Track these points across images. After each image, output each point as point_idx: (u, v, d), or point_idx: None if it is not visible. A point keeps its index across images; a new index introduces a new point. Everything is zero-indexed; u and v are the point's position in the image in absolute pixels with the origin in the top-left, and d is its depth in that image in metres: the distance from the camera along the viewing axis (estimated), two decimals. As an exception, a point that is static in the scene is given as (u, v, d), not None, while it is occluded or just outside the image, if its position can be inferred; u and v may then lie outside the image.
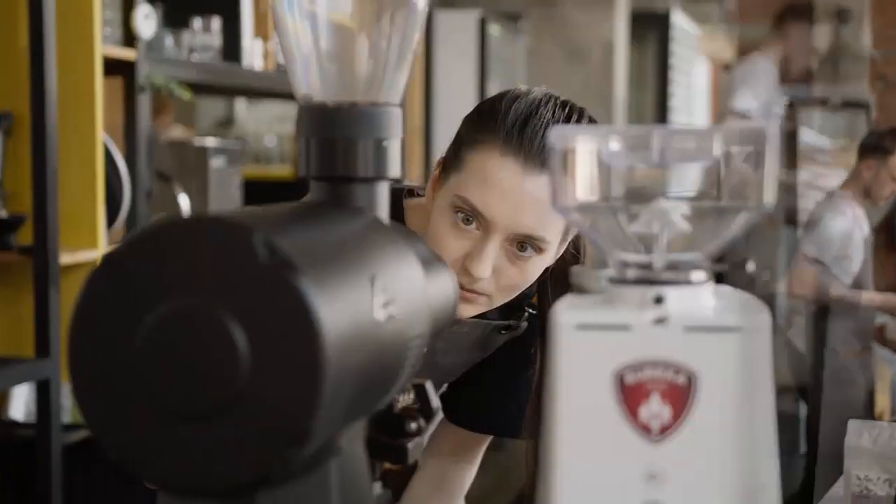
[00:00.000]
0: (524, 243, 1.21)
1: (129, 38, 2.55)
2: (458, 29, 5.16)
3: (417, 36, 0.78)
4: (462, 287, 1.21)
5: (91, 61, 2.37)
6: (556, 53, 5.46)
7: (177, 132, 4.04)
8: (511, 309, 1.38)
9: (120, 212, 2.49)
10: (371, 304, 0.64)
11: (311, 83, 0.76)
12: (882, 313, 4.25)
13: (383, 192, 0.76)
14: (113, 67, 2.53)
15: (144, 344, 0.58)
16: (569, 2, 5.54)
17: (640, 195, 0.68)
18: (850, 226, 4.21)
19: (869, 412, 4.23)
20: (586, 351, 0.64)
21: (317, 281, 0.58)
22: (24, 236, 2.31)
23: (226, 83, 3.10)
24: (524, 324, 1.39)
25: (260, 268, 0.57)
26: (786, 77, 4.41)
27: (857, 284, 4.21)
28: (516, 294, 1.27)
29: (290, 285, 0.57)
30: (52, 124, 2.26)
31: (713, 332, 0.63)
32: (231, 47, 3.05)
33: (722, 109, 4.32)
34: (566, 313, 0.65)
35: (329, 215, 0.70)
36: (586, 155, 0.66)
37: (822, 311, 4.24)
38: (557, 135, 0.66)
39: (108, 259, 0.59)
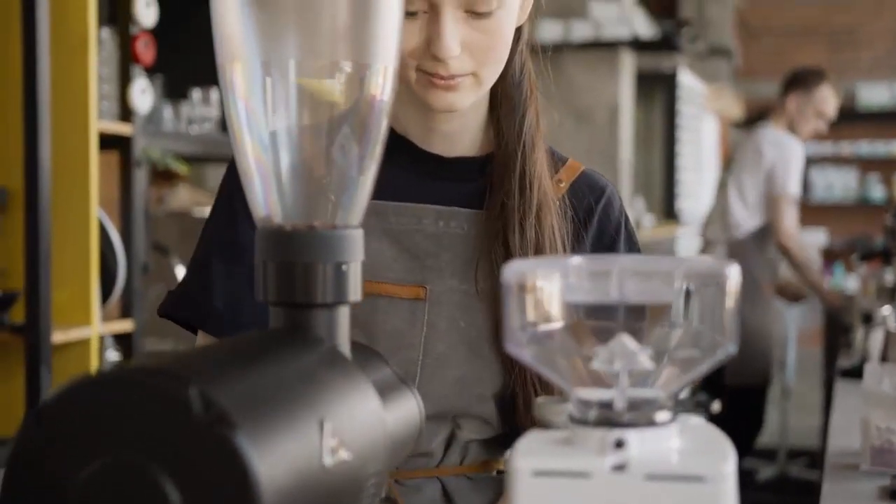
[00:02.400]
0: (477, 9, 1.11)
1: (126, 112, 2.55)
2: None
3: (379, 150, 0.76)
4: (440, 77, 1.12)
5: (86, 137, 2.36)
6: (561, 116, 5.47)
7: (184, 196, 4.03)
8: None
9: (114, 288, 2.47)
10: (319, 449, 0.61)
11: (269, 205, 0.74)
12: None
13: (344, 317, 0.73)
14: (110, 141, 2.53)
15: (76, 502, 0.56)
16: (574, 64, 5.55)
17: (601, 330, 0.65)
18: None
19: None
20: (545, 499, 0.61)
21: (256, 434, 0.56)
22: (17, 313, 2.29)
23: (224, 154, 3.09)
24: None
25: (195, 423, 0.55)
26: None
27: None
28: (503, 62, 1.16)
29: (226, 442, 0.54)
30: (45, 200, 2.25)
31: (676, 481, 0.60)
32: (230, 118, 3.03)
33: (769, 194, 4.20)
34: (524, 458, 0.62)
35: (281, 351, 0.68)
36: (544, 290, 0.64)
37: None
38: (513, 269, 0.64)
39: (41, 410, 0.57)
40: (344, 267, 0.72)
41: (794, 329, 5.89)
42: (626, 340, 0.64)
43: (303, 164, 0.74)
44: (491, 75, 1.16)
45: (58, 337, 2.28)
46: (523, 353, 0.64)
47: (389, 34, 0.73)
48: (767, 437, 5.63)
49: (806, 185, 10.01)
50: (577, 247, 1.22)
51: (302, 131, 0.73)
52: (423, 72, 1.13)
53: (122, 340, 2.63)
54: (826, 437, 2.15)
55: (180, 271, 2.86)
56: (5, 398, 2.34)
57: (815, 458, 5.16)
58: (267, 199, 0.74)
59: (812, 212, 10.04)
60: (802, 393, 5.98)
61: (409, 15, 1.11)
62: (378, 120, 0.75)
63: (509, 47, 1.16)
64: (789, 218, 4.12)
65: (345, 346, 0.73)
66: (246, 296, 1.17)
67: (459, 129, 1.23)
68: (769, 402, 4.47)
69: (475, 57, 1.13)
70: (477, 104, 1.21)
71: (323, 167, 0.74)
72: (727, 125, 9.36)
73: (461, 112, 1.18)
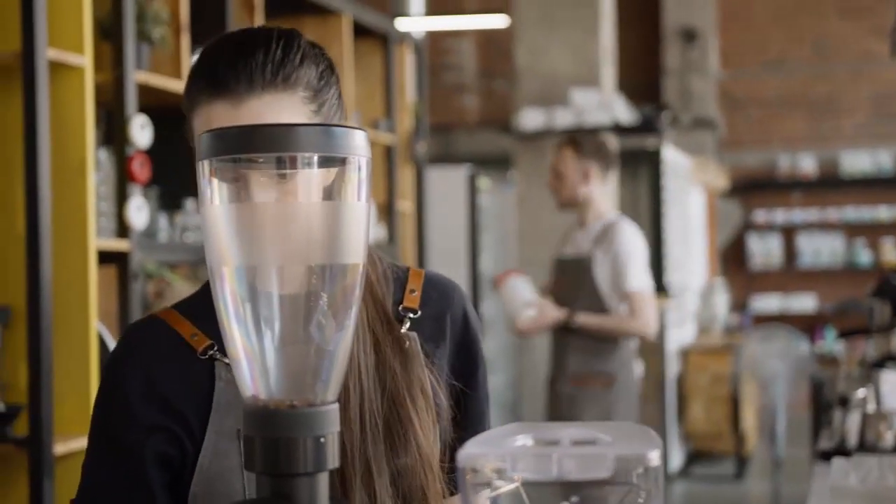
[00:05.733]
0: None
1: (123, 229, 2.67)
2: (449, 184, 5.32)
3: (352, 332, 0.87)
4: None
5: (85, 254, 2.47)
6: (546, 199, 5.58)
7: (181, 291, 4.12)
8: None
9: (114, 397, 2.56)
10: None
11: (255, 385, 0.84)
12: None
13: (323, 482, 0.84)
14: (107, 256, 2.64)
15: None
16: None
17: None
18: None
19: None
20: None
21: None
22: (20, 426, 2.39)
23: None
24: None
25: None
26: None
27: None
28: None
29: None
30: (47, 317, 2.35)
31: None
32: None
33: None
34: None
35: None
36: (493, 470, 0.74)
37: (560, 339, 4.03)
38: (465, 455, 0.74)
39: None
40: (322, 439, 0.83)
41: (784, 397, 5.97)
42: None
43: (284, 351, 0.84)
44: None
45: (59, 448, 2.37)
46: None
47: (358, 236, 0.85)
48: (761, 508, 5.67)
49: (794, 251, 10.15)
50: (441, 367, 1.27)
51: (283, 323, 0.84)
52: None
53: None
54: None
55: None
56: (11, 511, 2.43)
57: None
58: (253, 380, 0.84)
59: (800, 277, 10.16)
60: (797, 460, 6.04)
61: None
62: (349, 305, 0.86)
63: None
64: None
65: (324, 513, 0.83)
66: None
67: None
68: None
69: None
70: None
71: (302, 352, 0.85)
72: (714, 196, 9.51)
73: None
